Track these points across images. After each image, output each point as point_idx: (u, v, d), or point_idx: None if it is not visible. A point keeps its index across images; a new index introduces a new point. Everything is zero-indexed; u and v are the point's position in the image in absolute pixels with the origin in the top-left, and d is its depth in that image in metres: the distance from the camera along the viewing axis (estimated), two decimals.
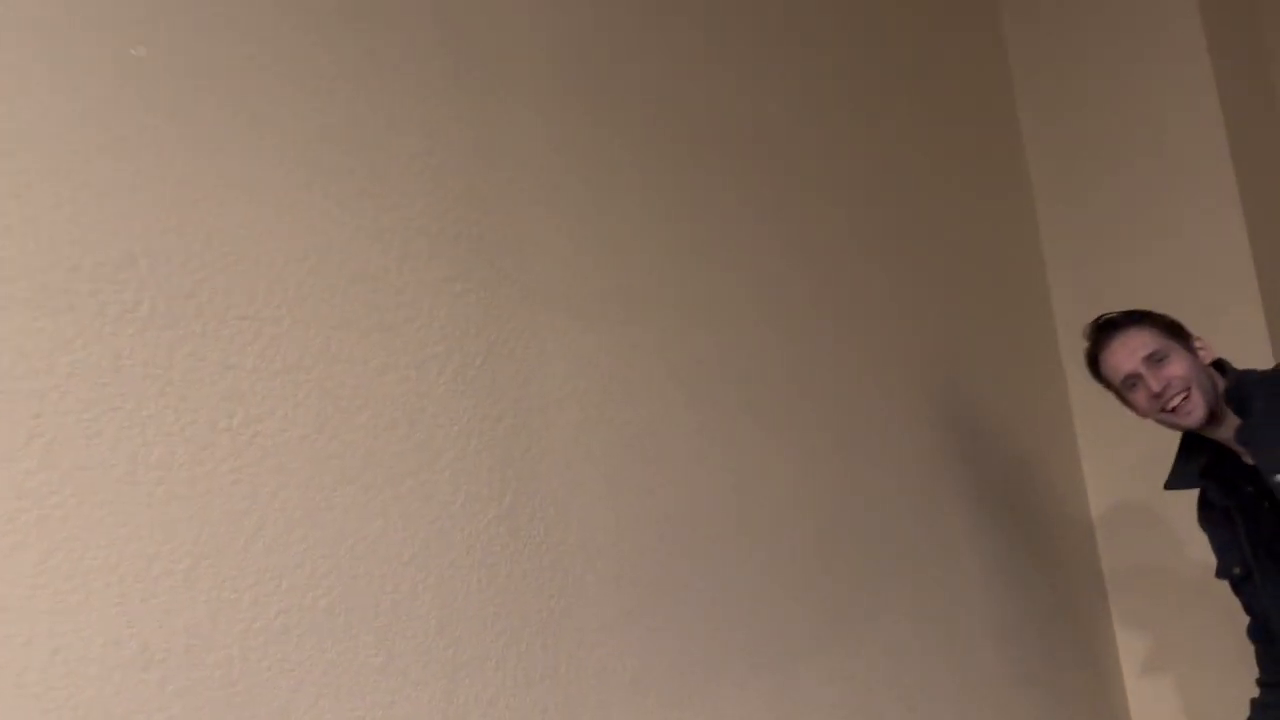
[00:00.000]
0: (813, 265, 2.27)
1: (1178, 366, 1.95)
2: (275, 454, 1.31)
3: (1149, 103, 2.89)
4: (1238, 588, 2.08)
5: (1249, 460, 1.93)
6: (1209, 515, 2.10)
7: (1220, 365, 2.01)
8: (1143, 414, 2.00)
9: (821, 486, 2.13)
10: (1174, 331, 1.99)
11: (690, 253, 1.98)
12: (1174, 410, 1.93)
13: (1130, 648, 2.92)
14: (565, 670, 1.57)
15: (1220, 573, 2.10)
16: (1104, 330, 2.03)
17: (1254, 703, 2.10)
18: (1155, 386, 1.93)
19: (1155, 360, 1.96)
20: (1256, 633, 2.10)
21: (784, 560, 2.00)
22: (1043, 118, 3.06)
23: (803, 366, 2.17)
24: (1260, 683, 2.11)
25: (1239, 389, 1.94)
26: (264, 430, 1.30)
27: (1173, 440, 2.08)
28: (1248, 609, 2.10)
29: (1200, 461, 2.03)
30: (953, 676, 2.34)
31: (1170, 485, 2.09)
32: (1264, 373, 1.99)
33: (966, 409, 2.62)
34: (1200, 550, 2.43)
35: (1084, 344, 2.07)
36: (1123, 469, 2.89)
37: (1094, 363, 2.04)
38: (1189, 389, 1.93)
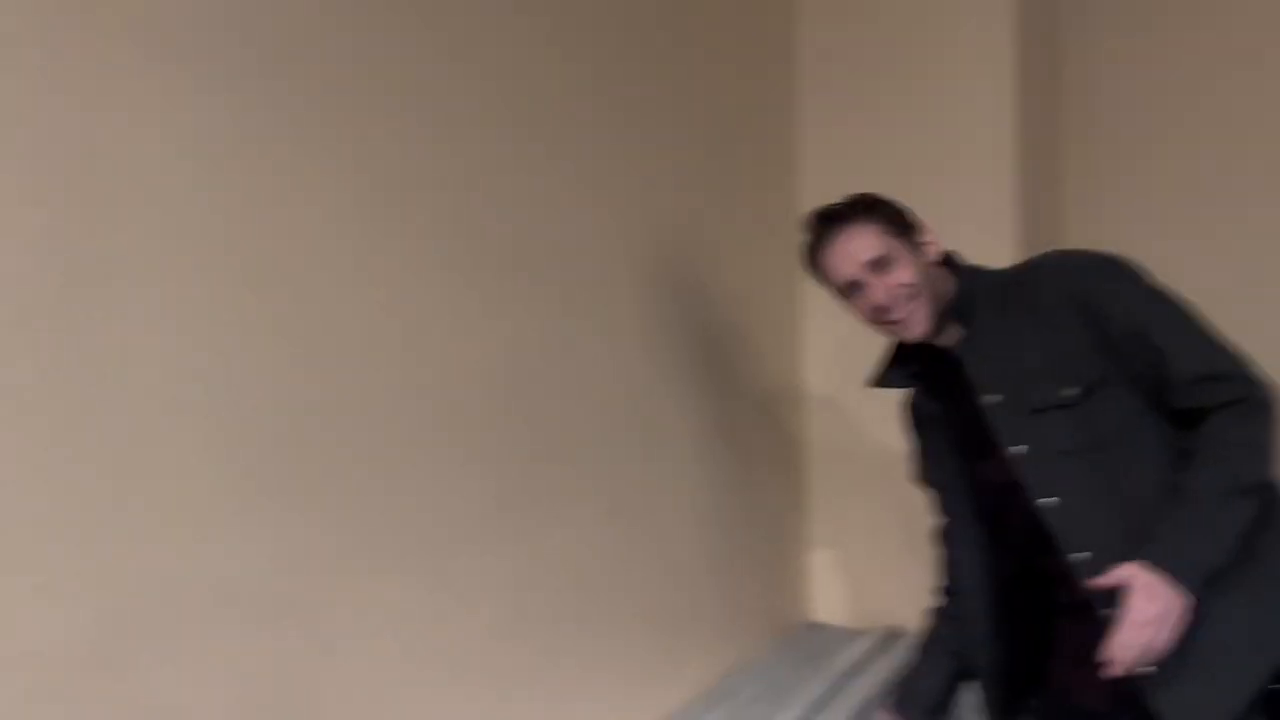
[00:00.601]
0: (541, 87, 1.84)
1: (903, 272, 1.71)
2: None
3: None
4: (932, 493, 1.95)
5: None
6: (914, 419, 1.94)
7: (949, 262, 1.79)
8: (863, 320, 1.78)
9: (513, 345, 1.76)
10: (902, 227, 1.75)
11: (371, 12, 1.50)
12: (896, 323, 1.73)
13: (822, 531, 2.85)
14: (116, 573, 1.17)
15: (918, 478, 1.96)
16: (826, 224, 1.76)
17: (938, 612, 1.99)
18: (878, 298, 1.71)
19: (879, 266, 1.72)
20: (943, 539, 1.97)
21: (455, 429, 1.63)
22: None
23: (509, 193, 1.75)
24: (943, 590, 1.99)
25: (966, 296, 1.75)
26: None
27: None
28: (940, 514, 1.96)
29: (913, 364, 1.85)
30: (643, 560, 2.11)
31: (875, 384, 1.90)
32: (994, 276, 1.78)
33: (692, 276, 2.33)
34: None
35: (804, 236, 1.81)
36: (841, 350, 2.77)
37: (812, 259, 1.79)
38: (913, 299, 1.71)
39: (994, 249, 2.21)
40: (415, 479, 1.56)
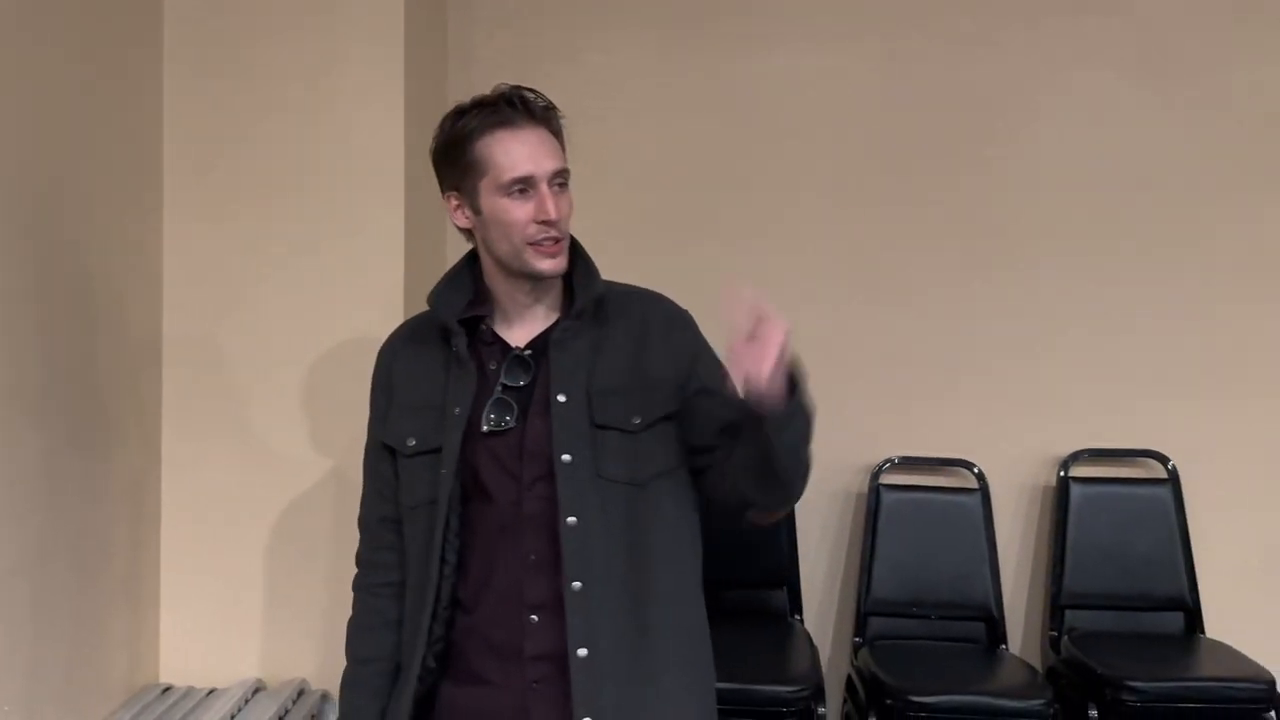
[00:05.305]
0: None
1: (569, 207, 1.62)
2: None
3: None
4: (379, 470, 1.71)
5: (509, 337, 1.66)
6: (420, 354, 1.70)
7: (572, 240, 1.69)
8: (505, 229, 1.58)
9: None
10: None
11: None
12: (548, 245, 1.59)
13: (173, 577, 2.56)
14: None
15: (387, 434, 1.69)
16: (520, 109, 1.58)
17: (352, 677, 1.73)
18: (553, 212, 1.57)
19: (561, 184, 1.60)
20: (384, 576, 1.72)
21: None
22: None
23: None
24: (355, 657, 1.73)
25: (594, 283, 1.66)
26: None
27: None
28: (371, 511, 1.74)
29: (463, 302, 1.68)
30: None
31: (436, 302, 1.67)
32: (621, 287, 1.72)
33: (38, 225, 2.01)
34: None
35: (476, 108, 1.60)
36: (205, 347, 2.54)
37: (475, 137, 1.58)
38: (566, 237, 1.62)
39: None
40: None
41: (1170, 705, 2.73)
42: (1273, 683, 2.72)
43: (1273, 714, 2.72)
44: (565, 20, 3.24)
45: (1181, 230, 3.21)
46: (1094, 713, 2.75)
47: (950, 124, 3.23)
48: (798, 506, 3.13)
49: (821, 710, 2.75)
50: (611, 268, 1.75)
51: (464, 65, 3.18)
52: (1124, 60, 3.20)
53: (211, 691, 2.47)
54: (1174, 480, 3.15)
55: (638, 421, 1.62)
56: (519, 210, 1.58)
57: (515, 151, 1.58)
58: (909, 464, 3.23)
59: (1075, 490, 3.16)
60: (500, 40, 3.22)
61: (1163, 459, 3.18)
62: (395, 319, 2.51)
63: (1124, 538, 3.12)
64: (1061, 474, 3.18)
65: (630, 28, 3.24)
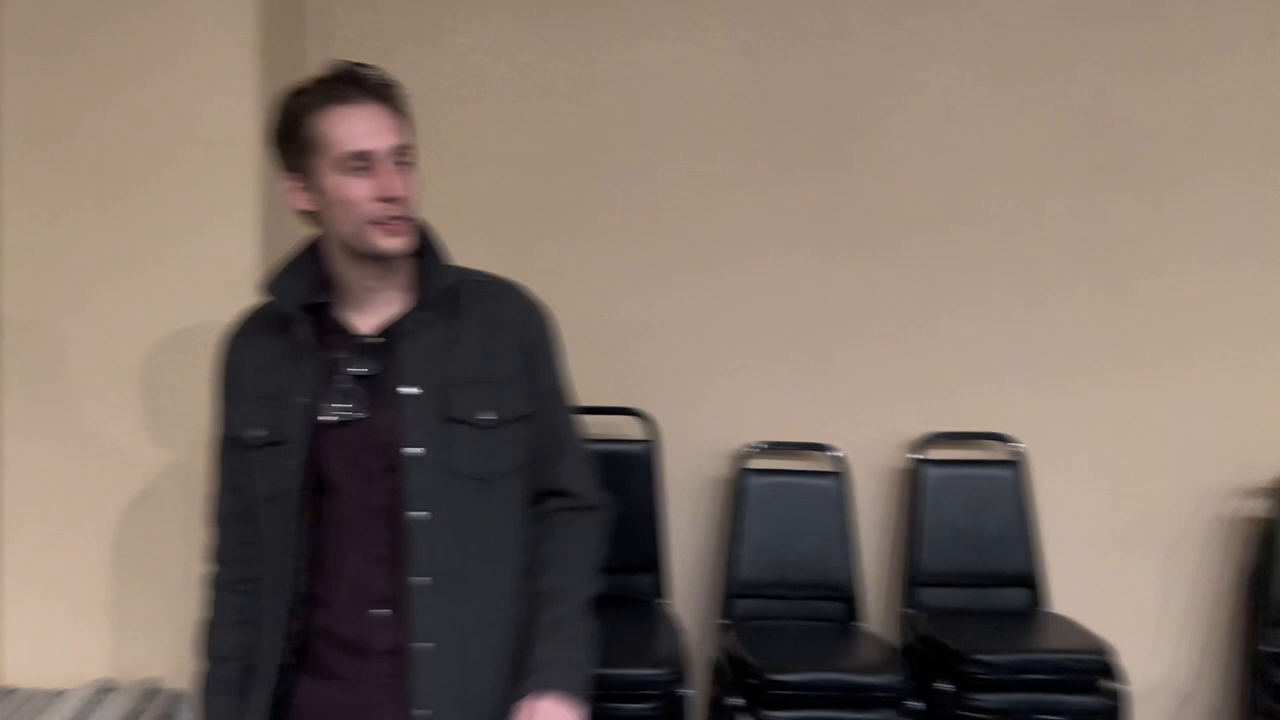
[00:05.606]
0: None
1: (414, 185, 1.59)
2: None
3: None
4: (229, 463, 1.68)
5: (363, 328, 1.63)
6: (265, 344, 1.65)
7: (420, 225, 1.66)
8: (346, 208, 1.54)
9: None
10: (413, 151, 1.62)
11: None
12: (392, 225, 1.55)
13: (12, 576, 2.45)
14: None
15: (236, 427, 1.65)
16: (356, 85, 1.55)
17: (211, 676, 1.70)
18: (395, 185, 1.54)
19: (404, 161, 1.57)
20: (241, 572, 1.69)
21: None
22: None
23: None
24: (215, 655, 1.70)
25: (443, 271, 1.64)
26: None
27: None
28: (226, 507, 1.70)
29: (306, 288, 1.63)
30: None
31: (274, 291, 1.63)
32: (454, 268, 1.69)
33: None
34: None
35: (311, 86, 1.56)
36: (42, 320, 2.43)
37: (310, 114, 1.54)
38: (412, 217, 1.59)
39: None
40: None
41: (1015, 677, 2.85)
42: (1109, 653, 2.86)
43: (1110, 682, 2.87)
44: (429, 1, 3.19)
45: (1025, 222, 3.32)
46: (946, 685, 2.86)
47: (811, 116, 3.29)
48: (667, 492, 3.21)
49: (687, 692, 2.78)
50: (472, 255, 1.74)
51: (323, 46, 3.08)
52: (976, 59, 3.30)
53: (61, 694, 2.38)
54: (1020, 462, 3.29)
55: (492, 418, 1.62)
56: (359, 188, 1.55)
57: (352, 127, 1.54)
58: (773, 448, 3.29)
59: (927, 472, 3.27)
60: (361, 20, 3.15)
61: (1009, 441, 3.31)
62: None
63: (974, 518, 3.24)
64: (914, 456, 3.29)
65: (495, 10, 3.21)
